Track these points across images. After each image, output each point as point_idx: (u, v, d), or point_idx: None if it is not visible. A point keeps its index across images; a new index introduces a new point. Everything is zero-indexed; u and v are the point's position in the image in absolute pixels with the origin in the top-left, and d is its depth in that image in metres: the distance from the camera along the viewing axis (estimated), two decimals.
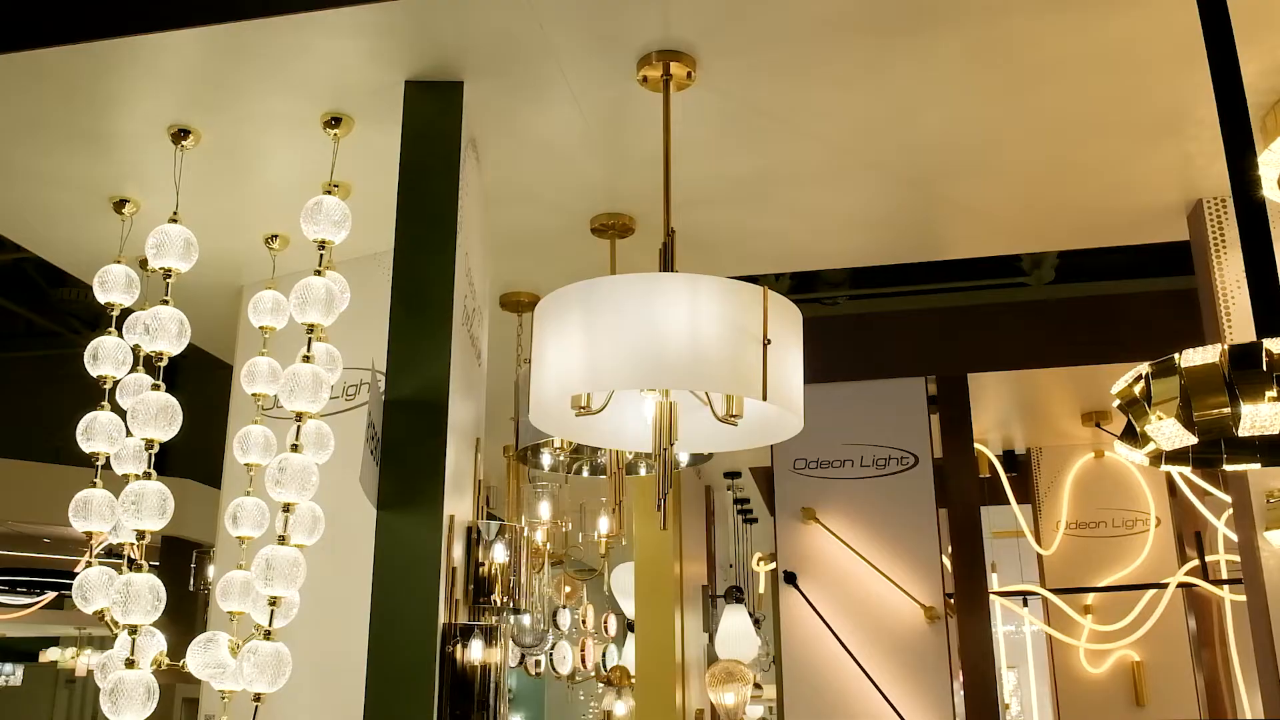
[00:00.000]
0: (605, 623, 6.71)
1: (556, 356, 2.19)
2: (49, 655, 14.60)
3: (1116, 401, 2.06)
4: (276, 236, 3.50)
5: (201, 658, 2.78)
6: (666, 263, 2.41)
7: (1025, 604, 6.46)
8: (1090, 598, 5.99)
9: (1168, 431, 1.90)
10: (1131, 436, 2.02)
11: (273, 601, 2.56)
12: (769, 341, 2.15)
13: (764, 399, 2.12)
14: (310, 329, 2.70)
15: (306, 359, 2.68)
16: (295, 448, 2.64)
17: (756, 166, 3.19)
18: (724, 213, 3.47)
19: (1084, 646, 5.96)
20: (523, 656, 6.05)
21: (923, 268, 7.33)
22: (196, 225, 3.47)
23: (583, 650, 6.40)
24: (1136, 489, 6.19)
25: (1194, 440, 1.88)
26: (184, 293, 3.93)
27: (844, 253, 3.89)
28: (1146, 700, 5.87)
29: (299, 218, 2.72)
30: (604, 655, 6.49)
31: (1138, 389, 1.97)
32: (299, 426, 2.67)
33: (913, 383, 5.13)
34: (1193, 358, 1.88)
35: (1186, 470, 2.07)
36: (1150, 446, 2.00)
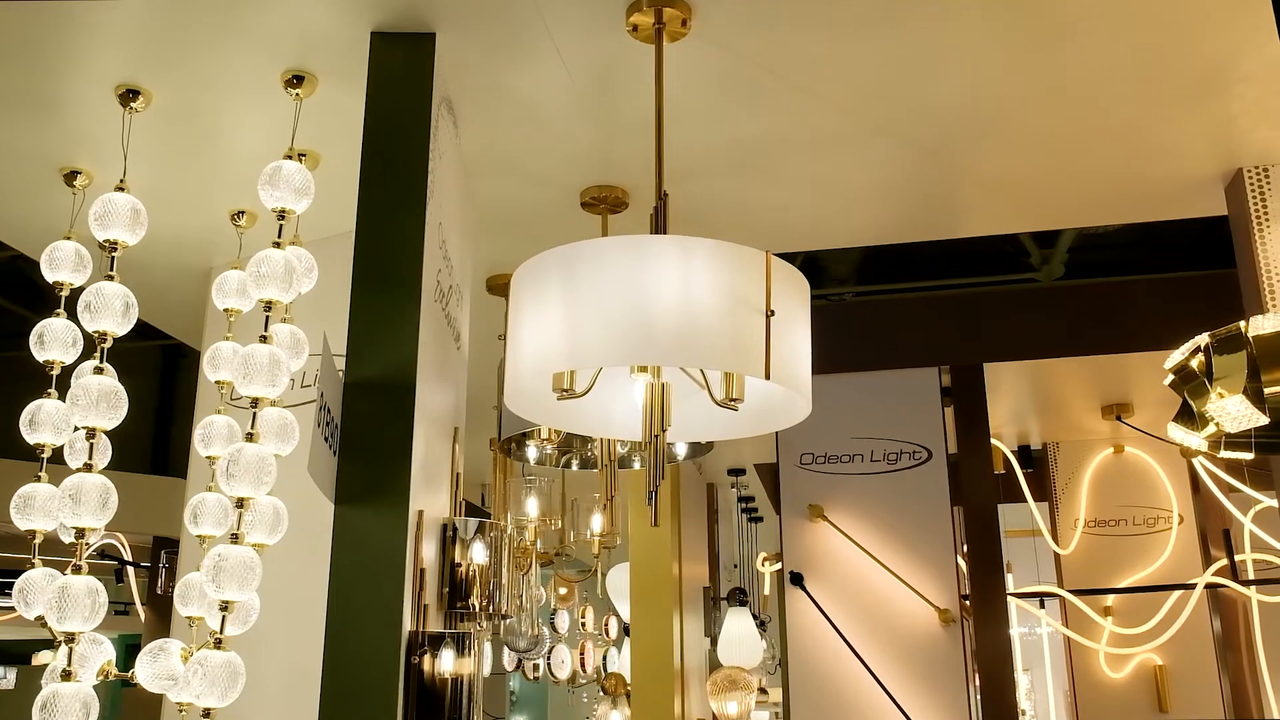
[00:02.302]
0: (606, 625, 6.47)
1: (533, 331, 1.94)
2: (42, 658, 14.37)
3: (1169, 378, 1.80)
4: (243, 213, 3.26)
5: (151, 669, 2.53)
6: (658, 227, 2.16)
7: (1042, 605, 6.21)
8: (1110, 599, 5.74)
9: (1233, 410, 1.65)
10: (1188, 418, 1.77)
11: (224, 606, 2.32)
12: (772, 313, 1.90)
13: (766, 377, 1.87)
14: (268, 306, 2.46)
15: (264, 339, 2.44)
16: (250, 437, 2.40)
17: (758, 131, 2.94)
18: (723, 184, 3.21)
19: (1104, 650, 5.70)
20: (520, 661, 5.82)
21: (926, 264, 7.14)
22: (159, 201, 3.24)
23: (582, 653, 6.16)
24: (1158, 485, 5.94)
25: (1264, 419, 1.63)
26: (150, 275, 3.72)
27: (853, 230, 3.63)
28: (1170, 706, 5.62)
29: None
30: (605, 658, 6.25)
31: (1196, 363, 1.72)
32: (255, 414, 2.42)
33: (926, 373, 4.87)
34: (1262, 325, 1.63)
35: (1247, 456, 1.80)
36: (1210, 429, 1.75)
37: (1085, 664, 5.81)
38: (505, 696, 12.77)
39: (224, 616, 2.32)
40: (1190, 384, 1.74)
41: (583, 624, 6.22)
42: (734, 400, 1.98)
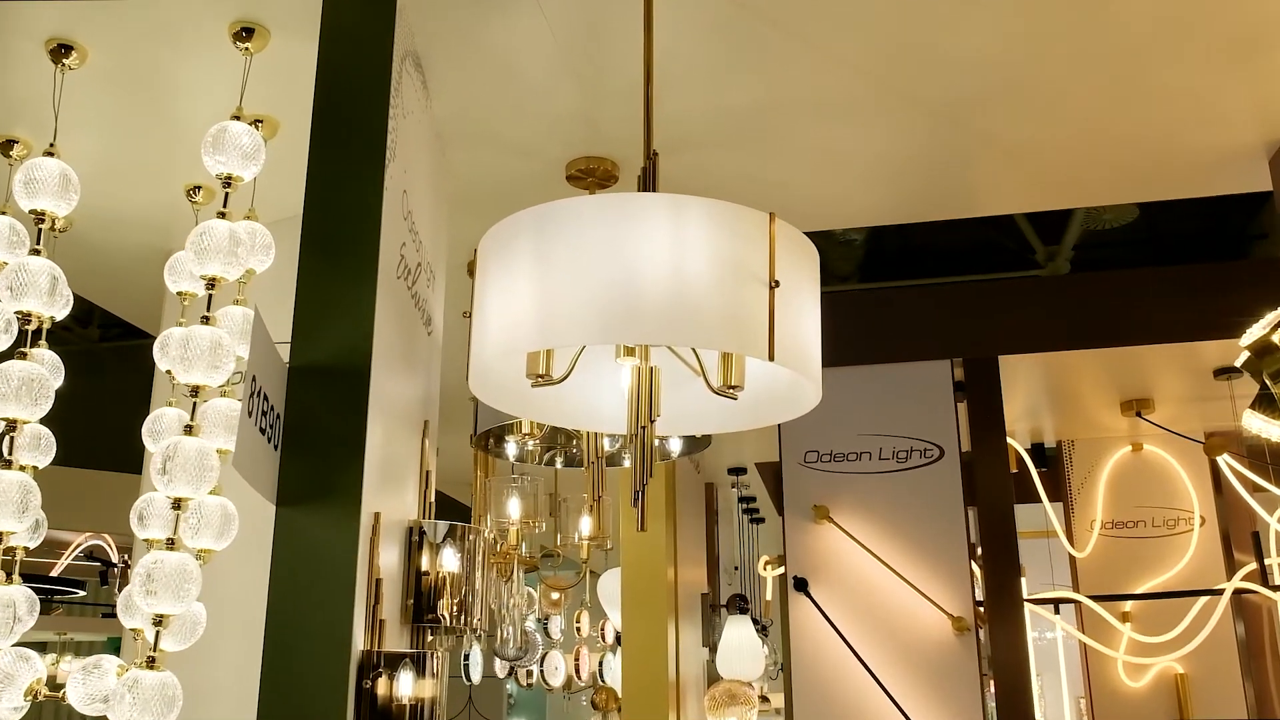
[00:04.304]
0: (603, 629, 6.23)
1: (501, 304, 1.68)
2: None
3: (1244, 356, 1.54)
4: (199, 188, 3.00)
5: (84, 689, 2.26)
6: (647, 189, 1.90)
7: (1057, 611, 5.95)
8: (1129, 604, 5.47)
9: None
10: (1267, 405, 1.51)
11: (158, 620, 2.05)
12: (776, 284, 1.64)
13: (770, 359, 1.61)
14: (211, 284, 2.20)
15: (206, 320, 2.18)
16: (190, 429, 2.13)
17: (758, 94, 2.67)
18: (718, 156, 2.95)
19: (1123, 659, 5.43)
20: (512, 668, 5.56)
21: (927, 262, 6.94)
22: (110, 175, 3.00)
23: (577, 659, 5.90)
24: (1179, 485, 5.67)
25: None
26: (107, 258, 3.48)
27: (862, 208, 3.36)
28: (1192, 716, 5.35)
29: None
30: (601, 664, 6.01)
31: (1279, 337, 1.45)
32: (195, 403, 2.16)
33: (938, 367, 4.60)
34: None
35: None
36: None
37: (1102, 671, 5.56)
38: (503, 701, 12.52)
39: (158, 631, 2.06)
40: (1269, 358, 1.47)
41: (578, 629, 5.97)
42: (733, 387, 1.72)
